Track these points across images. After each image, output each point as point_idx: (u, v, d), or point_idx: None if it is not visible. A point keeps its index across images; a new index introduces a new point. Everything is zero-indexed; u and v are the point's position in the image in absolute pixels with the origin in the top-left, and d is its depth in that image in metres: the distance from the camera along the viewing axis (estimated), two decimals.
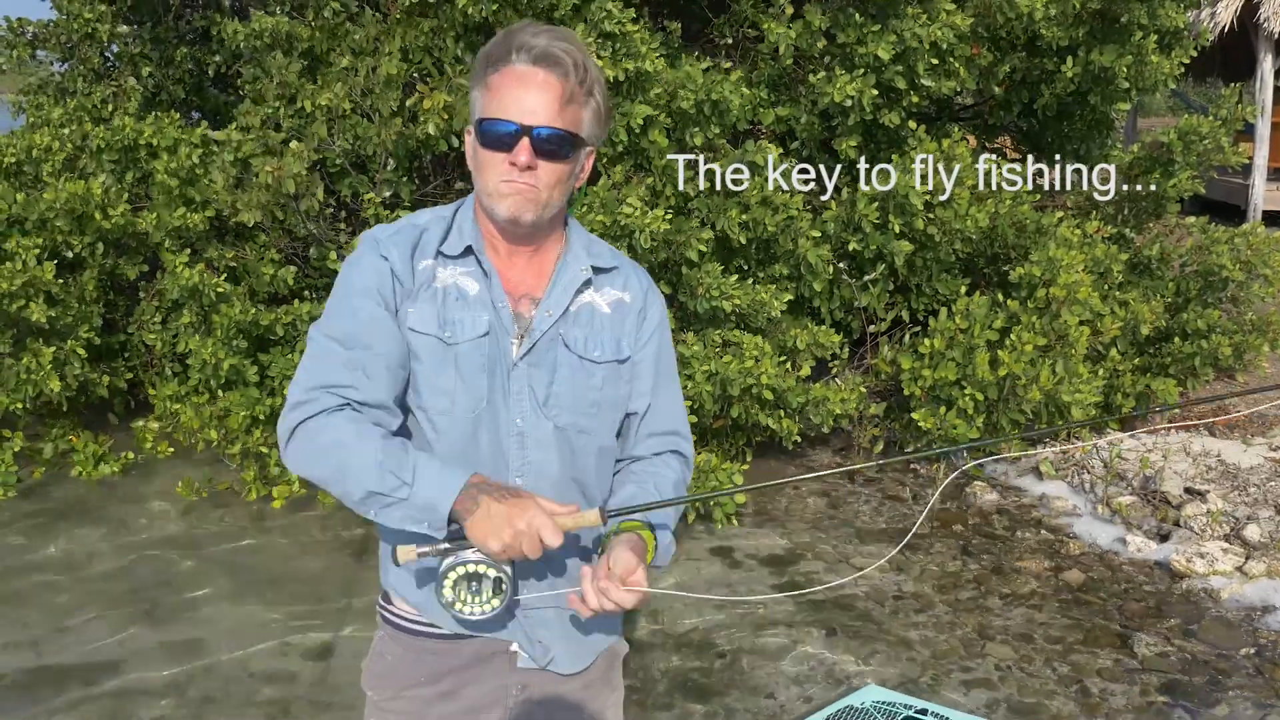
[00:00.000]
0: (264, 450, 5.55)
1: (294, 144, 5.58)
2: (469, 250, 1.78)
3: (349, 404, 1.68)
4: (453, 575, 1.64)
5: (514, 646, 1.82)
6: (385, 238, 1.78)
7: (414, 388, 1.75)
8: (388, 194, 5.81)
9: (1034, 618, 4.66)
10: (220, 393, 5.75)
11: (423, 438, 1.76)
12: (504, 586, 1.65)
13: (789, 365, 5.77)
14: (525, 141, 1.69)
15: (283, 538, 5.41)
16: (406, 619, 1.84)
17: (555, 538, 1.58)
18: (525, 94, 1.69)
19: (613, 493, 1.87)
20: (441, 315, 1.74)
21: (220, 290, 5.49)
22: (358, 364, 1.69)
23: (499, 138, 1.69)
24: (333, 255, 5.73)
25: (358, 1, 6.10)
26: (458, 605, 1.65)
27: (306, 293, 6.14)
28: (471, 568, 1.63)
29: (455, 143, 5.75)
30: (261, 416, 5.59)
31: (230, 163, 5.65)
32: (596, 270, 1.85)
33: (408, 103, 5.74)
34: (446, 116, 5.59)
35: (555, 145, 1.70)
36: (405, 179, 5.92)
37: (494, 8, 5.70)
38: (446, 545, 1.63)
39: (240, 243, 6.04)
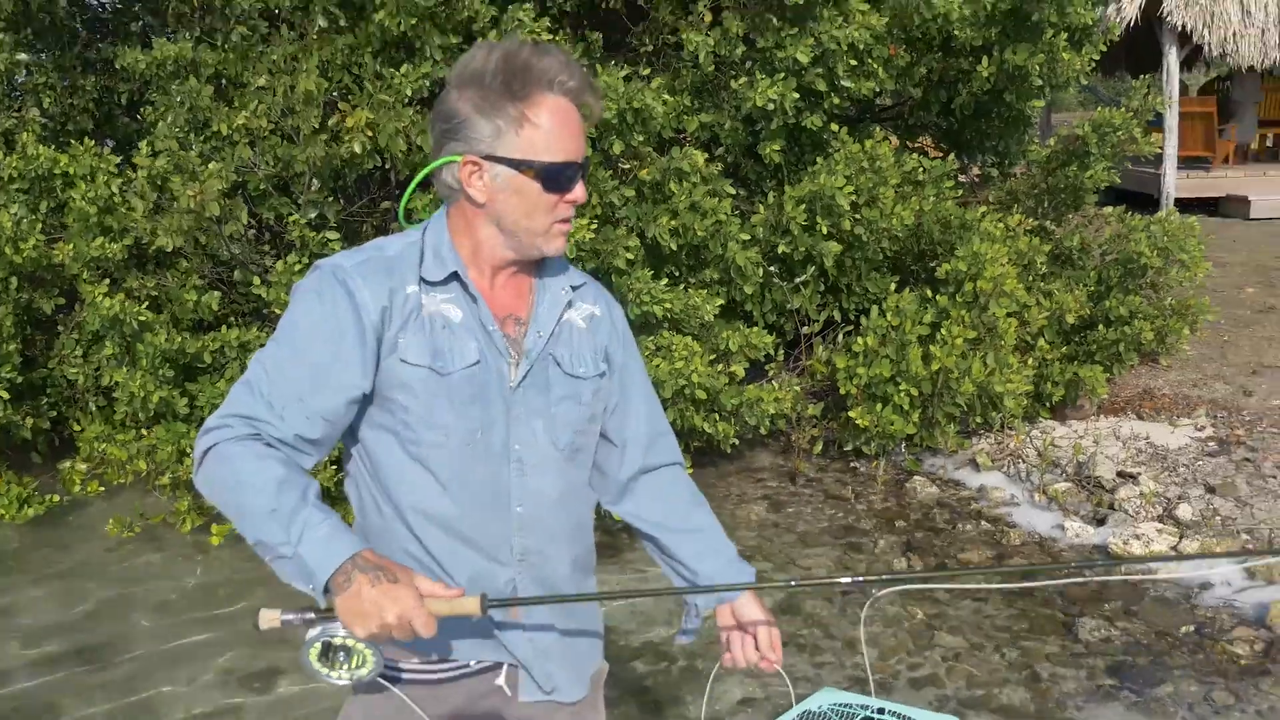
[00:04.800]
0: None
1: (212, 165, 5.45)
2: (453, 276, 1.70)
3: (260, 435, 1.60)
4: (318, 646, 1.56)
5: (499, 680, 1.78)
6: (351, 267, 1.66)
7: (405, 421, 1.67)
8: (313, 215, 5.71)
9: (980, 609, 4.70)
10: (145, 430, 5.58)
11: (414, 474, 1.68)
12: (371, 657, 1.57)
13: (722, 366, 5.78)
14: (581, 180, 1.70)
15: (221, 569, 5.27)
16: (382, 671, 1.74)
17: (428, 629, 1.51)
18: (575, 129, 1.68)
19: (640, 507, 1.93)
20: (433, 345, 1.66)
21: (142, 319, 5.32)
22: (281, 405, 1.61)
23: (565, 180, 1.67)
24: (257, 280, 5.61)
25: (268, 23, 5.98)
26: (325, 671, 1.58)
27: (233, 318, 6.00)
28: (339, 640, 1.56)
29: (380, 160, 5.67)
30: (189, 449, 5.44)
31: (147, 187, 5.49)
32: (572, 287, 1.83)
33: (330, 121, 5.65)
34: (370, 134, 5.51)
35: (586, 178, 1.74)
36: (330, 199, 5.83)
37: (413, 22, 5.64)
38: (312, 615, 1.56)
39: (161, 270, 5.88)
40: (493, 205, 1.67)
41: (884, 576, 3.17)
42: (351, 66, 5.85)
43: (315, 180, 5.74)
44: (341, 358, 1.63)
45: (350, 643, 1.55)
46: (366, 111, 5.50)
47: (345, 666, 1.57)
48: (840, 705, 3.43)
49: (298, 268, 5.45)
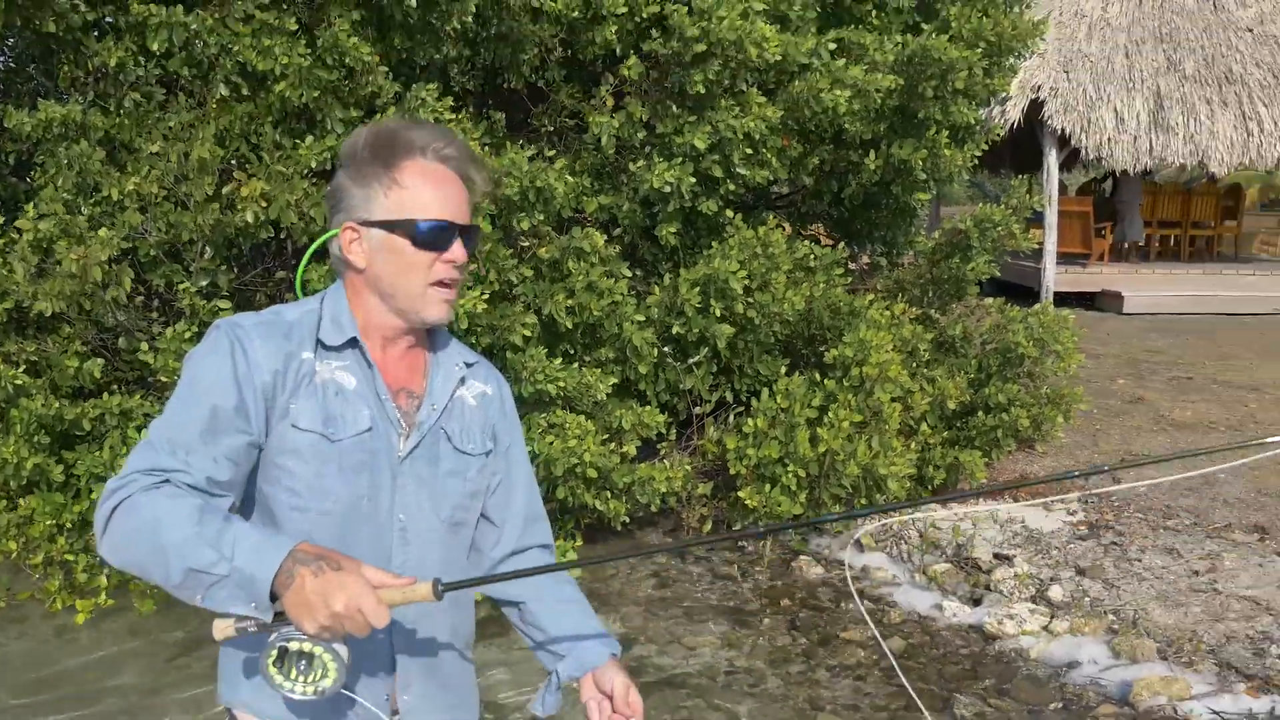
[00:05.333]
0: (70, 558, 5.21)
1: (101, 231, 5.37)
2: (351, 343, 1.72)
3: (169, 480, 1.57)
4: (274, 652, 1.49)
5: None
6: (249, 326, 1.69)
7: (291, 488, 1.67)
8: (204, 282, 5.65)
9: (860, 687, 4.78)
10: (20, 500, 5.38)
11: (303, 533, 1.67)
12: (334, 666, 1.50)
13: (614, 445, 5.83)
14: (459, 240, 1.71)
15: (92, 648, 5.08)
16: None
17: (380, 617, 1.45)
18: (451, 192, 1.71)
19: (508, 585, 1.94)
20: (325, 412, 1.67)
21: (18, 382, 5.17)
22: (186, 451, 1.59)
23: (438, 238, 1.68)
24: (144, 346, 5.50)
25: (165, 90, 5.96)
26: (282, 683, 1.50)
27: (115, 386, 5.85)
28: (296, 645, 1.48)
29: (274, 231, 5.66)
30: (68, 524, 5.25)
31: (29, 251, 5.38)
32: (466, 364, 1.87)
33: (225, 190, 5.62)
34: (265, 204, 5.50)
35: (473, 244, 1.75)
36: (223, 267, 5.78)
37: (315, 94, 5.68)
38: (268, 620, 1.48)
39: (42, 335, 5.73)
40: (371, 269, 1.71)
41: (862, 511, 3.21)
42: (250, 135, 5.85)
43: (208, 248, 5.69)
44: (242, 403, 1.63)
45: (308, 647, 1.48)
46: (262, 182, 5.50)
47: (304, 678, 1.49)
48: None
49: (187, 335, 5.37)
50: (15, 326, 5.71)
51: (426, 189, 1.68)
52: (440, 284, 1.72)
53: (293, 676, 1.50)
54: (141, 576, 1.55)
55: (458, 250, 1.71)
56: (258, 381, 1.64)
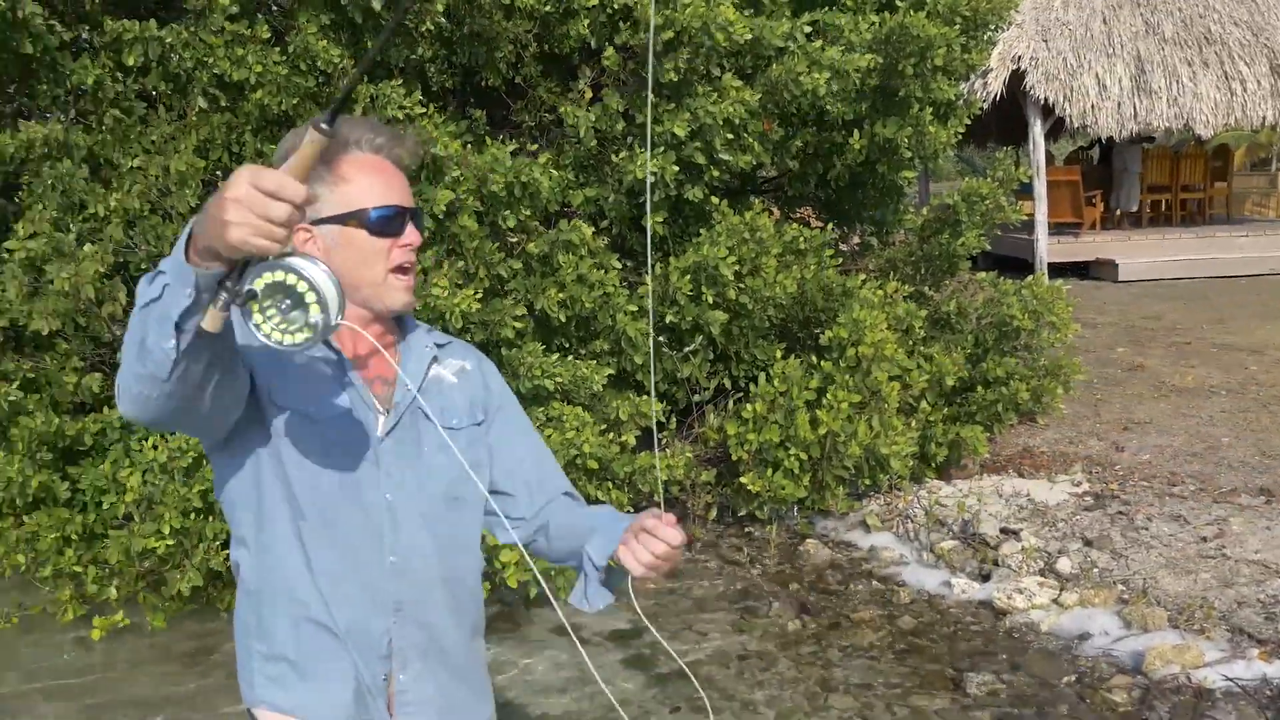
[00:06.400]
0: (78, 569, 5.22)
1: (88, 248, 5.35)
2: None
3: None
4: (246, 294, 1.39)
5: None
6: None
7: (279, 471, 1.70)
8: None
9: (873, 666, 4.77)
10: (26, 516, 5.38)
11: (292, 516, 1.71)
12: (312, 297, 1.40)
13: (613, 435, 5.82)
14: (411, 224, 1.75)
15: (107, 659, 5.08)
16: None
17: (279, 179, 1.32)
18: (391, 178, 1.74)
19: (550, 527, 1.90)
20: (304, 391, 1.71)
21: (12, 399, 5.17)
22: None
23: (392, 223, 1.72)
24: None
25: (146, 104, 5.93)
26: (268, 330, 1.41)
27: (114, 400, 5.83)
28: (267, 278, 1.38)
29: None
30: (74, 536, 5.26)
31: (20, 270, 5.36)
32: (437, 345, 1.90)
33: (208, 201, 5.59)
34: None
35: (420, 226, 1.78)
36: None
37: (294, 101, 5.66)
38: (230, 280, 1.38)
39: (39, 352, 5.72)
40: (330, 266, 1.69)
41: None
42: (231, 145, 5.83)
43: None
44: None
45: (277, 276, 1.38)
46: None
47: (288, 325, 1.40)
48: None
49: None
50: (12, 345, 5.70)
51: (370, 179, 1.72)
52: (399, 270, 1.75)
53: (274, 320, 1.41)
54: (147, 387, 1.46)
55: (411, 233, 1.76)
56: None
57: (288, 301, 1.41)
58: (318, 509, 1.71)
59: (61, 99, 5.92)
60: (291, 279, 1.40)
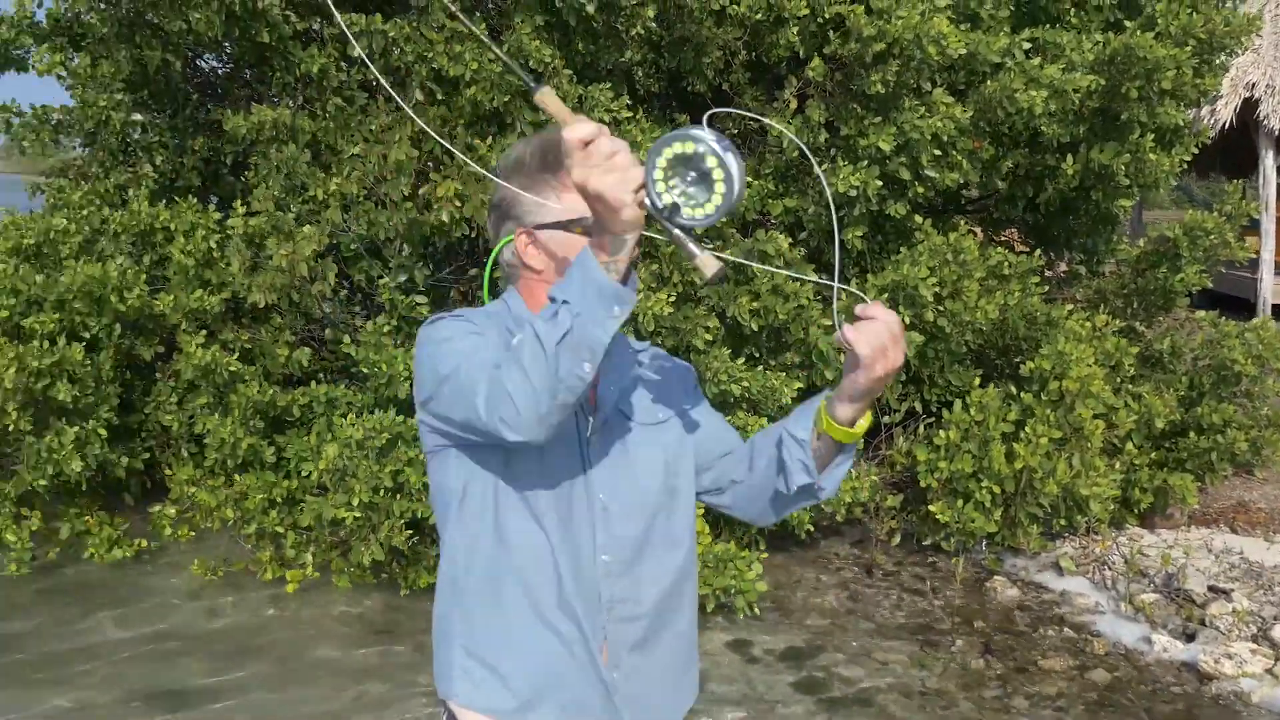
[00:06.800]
0: (279, 531, 5.46)
1: (306, 228, 5.58)
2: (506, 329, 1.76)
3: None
4: (663, 160, 1.42)
5: None
6: (467, 314, 1.75)
7: (508, 474, 1.70)
8: (402, 278, 5.80)
9: (1062, 718, 4.50)
10: (236, 476, 5.68)
11: (531, 515, 1.70)
12: (720, 193, 1.42)
13: None
14: None
15: (299, 620, 5.29)
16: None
17: (587, 133, 1.40)
18: None
19: (757, 453, 1.85)
20: None
21: (233, 369, 5.46)
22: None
23: None
24: (347, 339, 5.69)
25: (367, 95, 6.15)
26: (680, 202, 1.43)
27: (322, 375, 6.11)
28: (676, 148, 1.41)
29: (467, 229, 5.75)
30: (278, 499, 5.52)
31: (243, 245, 5.65)
32: (635, 349, 1.92)
33: (421, 190, 5.76)
34: (458, 204, 5.61)
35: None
36: (419, 264, 5.91)
37: (505, 99, 5.76)
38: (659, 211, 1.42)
39: (255, 325, 6.02)
40: (549, 270, 1.75)
41: None
42: (443, 138, 5.98)
43: (405, 245, 5.83)
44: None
45: (686, 147, 1.41)
46: (455, 183, 5.61)
47: (695, 201, 1.43)
48: None
49: (386, 329, 5.54)
50: (232, 316, 6.02)
51: None
52: None
53: (682, 192, 1.44)
54: (560, 414, 1.51)
55: None
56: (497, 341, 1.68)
57: (692, 174, 1.42)
58: (555, 509, 1.70)
59: (291, 86, 6.20)
60: (709, 152, 1.41)
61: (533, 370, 1.48)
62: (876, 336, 1.62)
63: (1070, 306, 6.66)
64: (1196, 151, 7.10)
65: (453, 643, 1.76)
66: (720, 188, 1.43)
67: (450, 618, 1.77)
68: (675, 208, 1.45)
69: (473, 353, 1.62)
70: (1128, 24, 6.65)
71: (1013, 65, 6.31)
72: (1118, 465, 6.00)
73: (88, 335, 5.81)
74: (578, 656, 1.71)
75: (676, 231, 1.47)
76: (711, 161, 1.43)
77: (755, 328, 5.87)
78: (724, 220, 5.82)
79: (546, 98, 1.52)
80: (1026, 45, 6.48)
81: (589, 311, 1.45)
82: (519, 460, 1.68)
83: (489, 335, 1.69)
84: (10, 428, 5.41)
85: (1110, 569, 5.82)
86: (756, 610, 5.27)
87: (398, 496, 5.21)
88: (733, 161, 1.43)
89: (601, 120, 5.84)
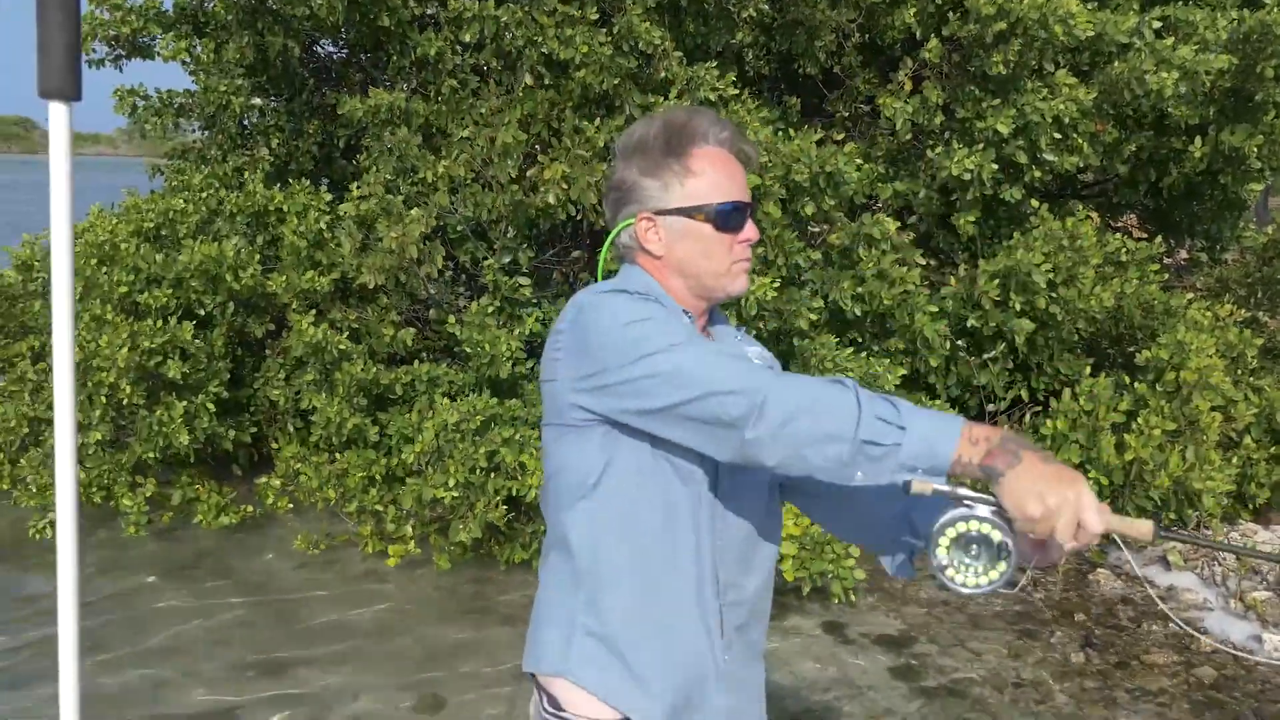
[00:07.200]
0: (379, 508, 5.64)
1: (415, 210, 5.74)
2: (684, 315, 1.75)
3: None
4: (954, 531, 1.45)
5: None
6: (639, 289, 1.73)
7: (655, 452, 1.66)
8: (506, 260, 5.92)
9: (1165, 714, 4.40)
10: (339, 453, 5.88)
11: (689, 503, 1.69)
12: (1005, 558, 1.45)
13: None
14: (750, 219, 1.78)
15: (397, 593, 5.45)
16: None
17: (1099, 524, 1.38)
18: (735, 173, 1.78)
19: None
20: None
21: (342, 348, 5.64)
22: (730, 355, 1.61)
23: (734, 219, 1.75)
24: (451, 319, 5.83)
25: (479, 78, 6.28)
26: (950, 571, 1.47)
27: (424, 354, 6.27)
28: (977, 528, 1.44)
29: (572, 211, 5.84)
30: (378, 476, 5.69)
31: (354, 227, 5.83)
32: (737, 335, 1.92)
33: (529, 173, 5.86)
34: (565, 186, 5.69)
35: (757, 220, 1.81)
36: (523, 245, 6.03)
37: (615, 82, 5.82)
38: (965, 492, 1.44)
39: (363, 304, 6.21)
40: (671, 255, 1.77)
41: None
42: (552, 121, 6.07)
43: (510, 227, 5.95)
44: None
45: (990, 532, 1.44)
46: (562, 165, 5.69)
47: (973, 569, 1.46)
48: None
49: (490, 309, 5.67)
50: (340, 295, 6.22)
51: (718, 174, 1.75)
52: (741, 260, 1.79)
53: (961, 567, 1.48)
54: (792, 468, 1.49)
55: (751, 229, 1.78)
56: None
57: (975, 548, 1.47)
58: (694, 501, 1.69)
59: (405, 70, 6.37)
60: (1005, 555, 1.46)
61: (824, 418, 1.45)
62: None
63: (1190, 295, 6.44)
64: None
65: (575, 622, 1.70)
66: (1003, 559, 1.47)
67: (571, 593, 1.71)
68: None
69: (700, 346, 1.58)
70: (1265, 0, 6.38)
71: (1142, 45, 6.11)
72: (1234, 459, 5.80)
73: (202, 313, 6.09)
74: (710, 636, 1.71)
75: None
76: (997, 535, 1.46)
77: (858, 313, 5.83)
78: (830, 204, 5.80)
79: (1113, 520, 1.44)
80: (1157, 24, 6.27)
81: (901, 457, 1.42)
82: (662, 440, 1.63)
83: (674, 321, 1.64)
84: (124, 401, 5.70)
85: (1221, 565, 5.64)
86: (853, 597, 5.27)
87: (493, 475, 5.34)
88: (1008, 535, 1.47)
89: (707, 99, 5.85)
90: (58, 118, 1.45)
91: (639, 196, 1.76)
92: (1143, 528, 1.43)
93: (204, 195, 6.49)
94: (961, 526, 1.45)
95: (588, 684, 1.67)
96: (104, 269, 6.07)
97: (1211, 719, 4.38)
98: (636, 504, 1.67)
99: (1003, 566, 1.45)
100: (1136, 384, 5.75)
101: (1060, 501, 1.37)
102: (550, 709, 1.70)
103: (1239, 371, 5.99)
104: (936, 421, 1.44)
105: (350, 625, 5.11)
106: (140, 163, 8.12)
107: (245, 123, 7.23)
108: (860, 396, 1.46)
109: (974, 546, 1.46)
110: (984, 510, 1.44)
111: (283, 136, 7.13)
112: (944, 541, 1.46)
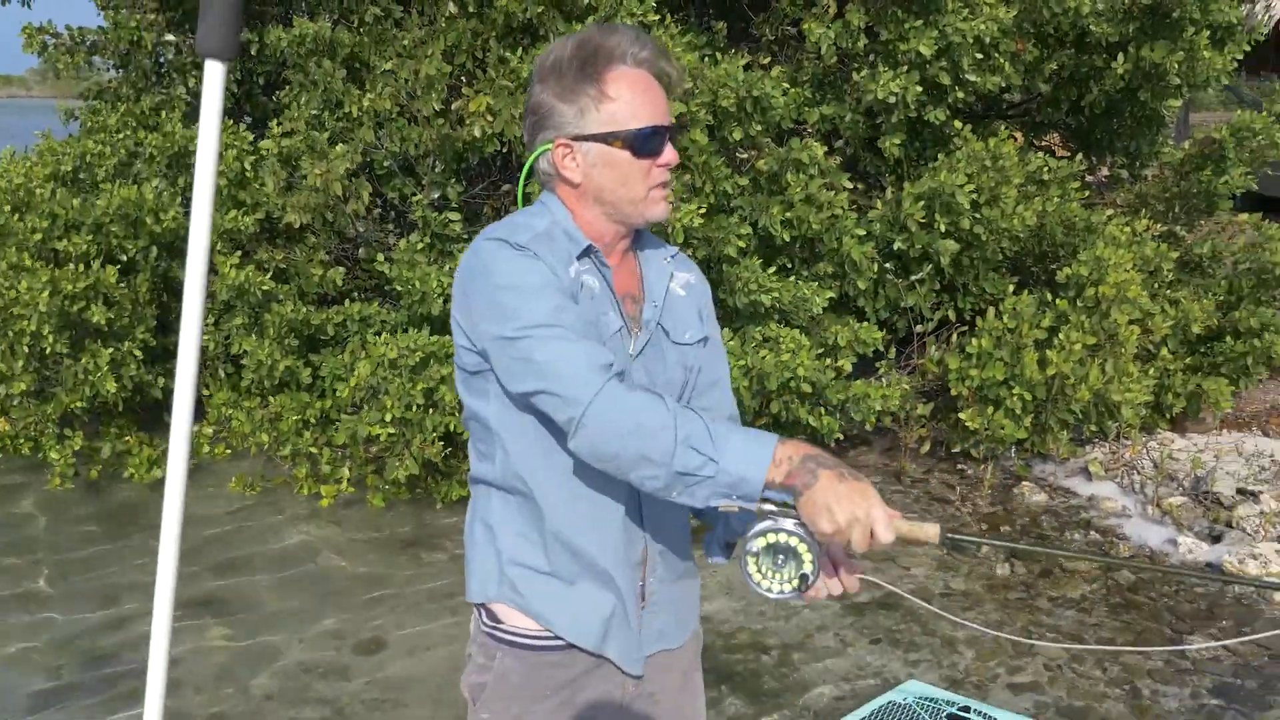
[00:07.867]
0: (314, 450, 5.62)
1: (339, 146, 5.65)
2: (588, 250, 1.74)
3: (619, 374, 1.61)
4: (763, 540, 1.56)
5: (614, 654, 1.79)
6: (526, 241, 1.68)
7: None
8: (435, 195, 5.87)
9: (1084, 619, 4.60)
10: (272, 397, 5.84)
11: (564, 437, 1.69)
12: (807, 570, 1.57)
13: (829, 361, 5.75)
14: (669, 143, 1.74)
15: (334, 534, 5.48)
16: (525, 635, 1.75)
17: (888, 535, 1.49)
18: (654, 95, 1.72)
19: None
20: (588, 314, 1.70)
21: (266, 288, 5.56)
22: (594, 338, 1.65)
23: (652, 143, 1.71)
24: (380, 257, 5.79)
25: (402, 7, 6.16)
26: (756, 577, 1.59)
27: (355, 293, 6.22)
28: (784, 539, 1.56)
29: (499, 145, 5.79)
30: (312, 419, 5.66)
31: (278, 165, 5.73)
32: (670, 257, 1.90)
33: (454, 105, 5.79)
34: (490, 118, 5.63)
35: (676, 143, 1.76)
36: (452, 181, 5.98)
37: (539, 9, 5.74)
38: (771, 506, 1.55)
39: (290, 244, 6.13)
40: (589, 182, 1.72)
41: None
42: (476, 51, 5.98)
43: (438, 162, 5.89)
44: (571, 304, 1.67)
45: (796, 544, 1.55)
46: (487, 97, 5.63)
47: (778, 576, 1.58)
48: (925, 699, 3.42)
49: (420, 246, 5.63)
50: (267, 236, 6.13)
51: (635, 97, 1.69)
52: (659, 185, 1.75)
53: (767, 574, 1.59)
54: (614, 472, 1.59)
55: (670, 153, 1.73)
56: (565, 286, 1.68)
57: (781, 557, 1.58)
58: None
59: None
60: (809, 556, 1.57)
61: (641, 445, 1.53)
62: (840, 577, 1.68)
63: (1110, 212, 6.58)
64: (1249, 49, 6.91)
65: (499, 553, 1.76)
66: (809, 563, 1.57)
67: (496, 530, 1.77)
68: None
69: (566, 318, 1.62)
70: None
71: None
72: (1151, 371, 6.00)
73: (125, 258, 5.96)
74: (638, 557, 1.78)
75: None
76: (802, 548, 1.56)
77: (787, 238, 5.88)
78: (758, 130, 5.81)
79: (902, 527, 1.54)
80: None
81: (714, 485, 1.53)
82: None
83: (564, 293, 1.66)
84: (48, 350, 5.59)
85: (1139, 473, 5.86)
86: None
87: (430, 412, 5.34)
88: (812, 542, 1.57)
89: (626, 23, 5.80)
90: (213, 76, 1.41)
91: (555, 122, 1.71)
92: (930, 531, 1.54)
93: (121, 137, 6.30)
94: (772, 537, 1.56)
95: (521, 605, 1.75)
96: (18, 216, 5.91)
97: (1130, 619, 4.59)
98: (551, 437, 1.70)
99: (807, 573, 1.57)
100: (1058, 300, 5.89)
101: (850, 518, 1.47)
102: (489, 623, 1.78)
103: (1156, 285, 6.16)
104: (749, 448, 1.52)
105: (288, 565, 5.13)
106: (53, 104, 7.85)
107: (160, 60, 7.01)
108: (678, 425, 1.52)
109: (779, 556, 1.57)
110: (789, 523, 1.55)
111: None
112: (753, 548, 1.58)
